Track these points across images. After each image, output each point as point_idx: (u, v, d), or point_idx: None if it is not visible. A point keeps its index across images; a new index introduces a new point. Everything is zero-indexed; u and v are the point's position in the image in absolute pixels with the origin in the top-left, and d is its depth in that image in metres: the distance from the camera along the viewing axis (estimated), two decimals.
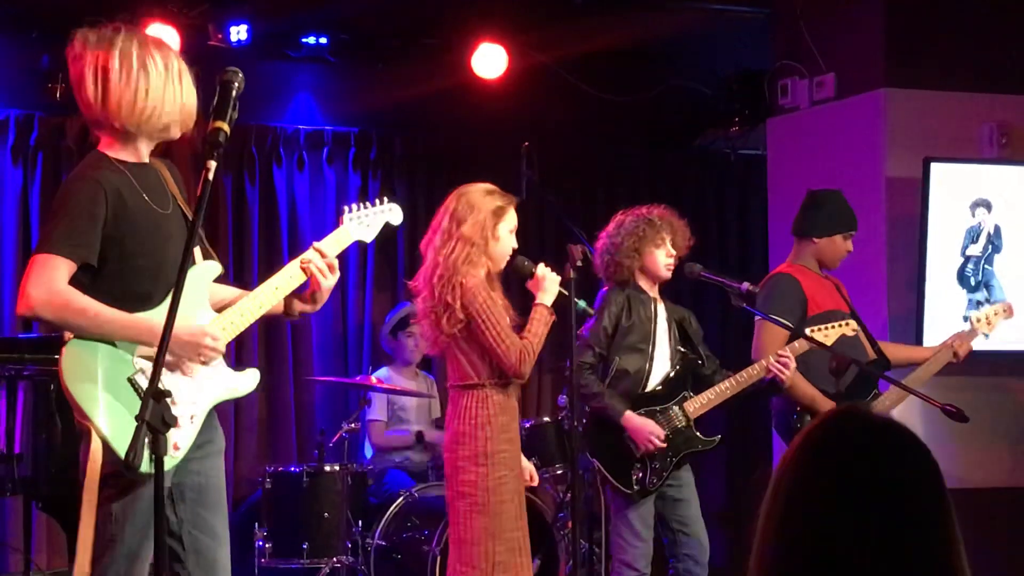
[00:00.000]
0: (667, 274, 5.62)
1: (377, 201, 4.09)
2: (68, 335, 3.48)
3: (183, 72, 3.55)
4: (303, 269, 3.70)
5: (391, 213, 4.12)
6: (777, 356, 5.44)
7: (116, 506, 3.42)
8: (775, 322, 5.61)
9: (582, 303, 4.98)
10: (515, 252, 4.85)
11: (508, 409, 4.77)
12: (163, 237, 3.50)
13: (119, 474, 3.33)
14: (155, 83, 3.47)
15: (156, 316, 3.40)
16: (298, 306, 3.78)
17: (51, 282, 3.35)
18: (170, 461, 3.38)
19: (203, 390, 3.54)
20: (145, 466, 2.95)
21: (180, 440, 3.45)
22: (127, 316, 3.41)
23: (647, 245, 5.55)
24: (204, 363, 3.52)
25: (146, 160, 3.59)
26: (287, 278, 3.70)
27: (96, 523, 3.45)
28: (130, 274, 3.48)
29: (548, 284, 4.84)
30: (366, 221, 4.00)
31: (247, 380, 3.69)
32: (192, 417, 3.51)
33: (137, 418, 2.82)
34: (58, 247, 3.39)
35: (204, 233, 3.66)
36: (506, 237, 4.79)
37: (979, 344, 6.09)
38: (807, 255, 5.89)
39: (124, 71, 3.45)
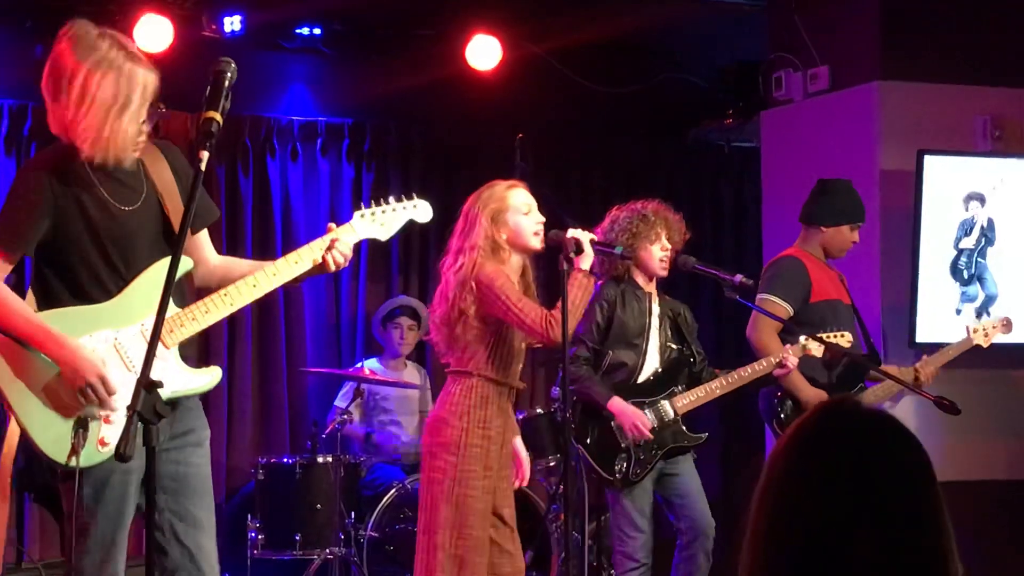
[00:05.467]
0: (662, 271, 5.62)
1: (403, 197, 3.97)
2: None
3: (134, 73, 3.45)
4: (331, 245, 3.64)
5: (416, 211, 3.97)
6: (783, 357, 5.44)
7: (87, 494, 3.42)
8: (767, 314, 5.62)
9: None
10: (546, 226, 4.75)
11: (491, 405, 4.70)
12: (119, 232, 3.49)
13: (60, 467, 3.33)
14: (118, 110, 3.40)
15: (59, 323, 3.41)
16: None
17: None
18: (97, 456, 3.38)
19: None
20: None
21: (110, 435, 3.37)
22: (33, 321, 3.40)
23: (641, 240, 5.55)
24: (82, 398, 3.39)
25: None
26: (297, 263, 3.64)
27: (66, 512, 3.46)
28: (82, 267, 3.49)
29: (582, 247, 4.69)
30: (380, 219, 3.87)
31: (204, 379, 3.62)
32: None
33: (129, 408, 2.82)
34: None
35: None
36: (522, 221, 4.73)
37: None
38: (814, 243, 5.90)
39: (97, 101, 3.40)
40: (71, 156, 3.49)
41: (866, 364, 5.68)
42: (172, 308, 3.52)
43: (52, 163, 3.50)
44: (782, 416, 5.70)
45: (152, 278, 3.50)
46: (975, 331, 5.99)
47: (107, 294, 3.48)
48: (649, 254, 5.57)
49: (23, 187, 3.50)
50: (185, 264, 3.57)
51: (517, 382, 4.84)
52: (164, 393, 3.42)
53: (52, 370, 3.40)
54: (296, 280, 3.71)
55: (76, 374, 3.37)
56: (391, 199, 3.95)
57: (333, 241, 3.67)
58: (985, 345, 6.03)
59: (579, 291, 4.66)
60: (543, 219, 4.77)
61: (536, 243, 4.76)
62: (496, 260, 4.68)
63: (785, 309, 5.68)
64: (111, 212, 3.49)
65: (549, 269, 5.49)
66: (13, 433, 3.44)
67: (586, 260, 4.69)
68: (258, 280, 3.61)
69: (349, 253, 3.71)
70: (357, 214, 3.85)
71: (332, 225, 3.77)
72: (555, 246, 4.76)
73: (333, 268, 3.68)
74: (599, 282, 5.62)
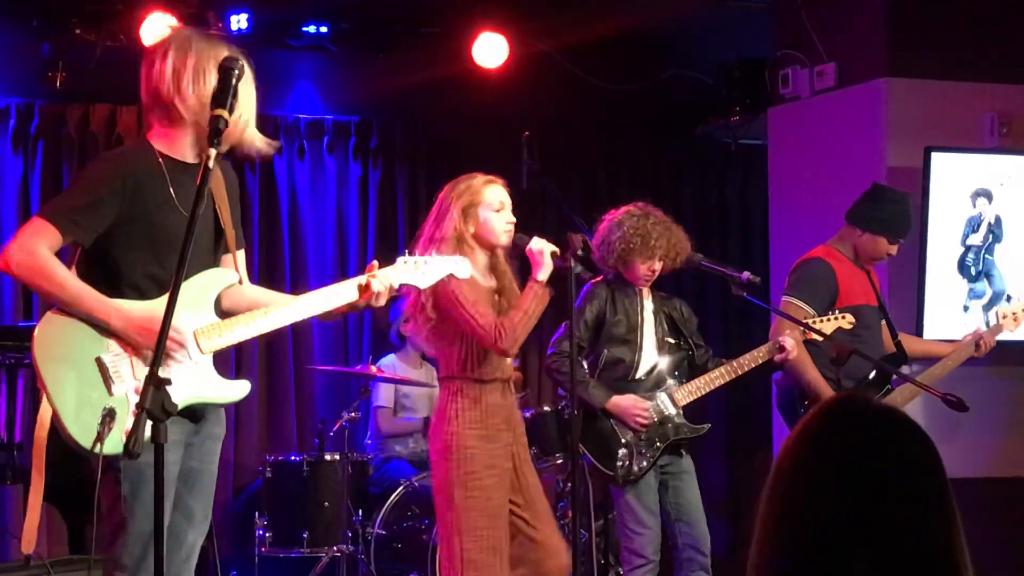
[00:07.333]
0: (645, 284, 5.63)
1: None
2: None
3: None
4: (368, 282, 3.72)
5: (458, 266, 4.17)
6: (781, 340, 5.43)
7: (125, 488, 3.43)
8: (779, 314, 5.60)
9: (579, 268, 4.86)
10: (516, 228, 4.75)
11: (483, 404, 4.69)
12: (176, 237, 3.48)
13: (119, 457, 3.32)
14: (246, 91, 3.46)
15: (128, 303, 3.44)
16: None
17: (34, 246, 3.43)
18: (121, 446, 3.35)
19: (176, 388, 3.32)
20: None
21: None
22: (93, 293, 3.43)
23: (635, 257, 5.52)
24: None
25: (189, 160, 3.58)
26: (335, 295, 3.73)
27: (106, 506, 3.46)
28: (132, 265, 3.50)
29: (542, 258, 4.69)
30: (422, 268, 3.98)
31: (233, 389, 3.66)
32: None
33: (138, 406, 2.82)
34: (55, 216, 3.47)
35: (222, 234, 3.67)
36: (491, 218, 4.72)
37: None
38: (848, 243, 5.84)
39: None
40: (149, 152, 3.53)
41: (875, 362, 5.64)
42: (212, 317, 3.59)
43: (130, 154, 3.55)
44: (801, 413, 5.66)
45: (197, 285, 3.55)
46: (1004, 316, 5.95)
47: (148, 295, 3.48)
48: (635, 270, 5.55)
49: (96, 172, 3.55)
50: (229, 277, 3.65)
51: (507, 373, 4.80)
52: (191, 398, 3.50)
53: (91, 355, 3.41)
54: (331, 315, 3.80)
55: (150, 331, 3.36)
56: (435, 253, 4.14)
57: (372, 278, 3.74)
58: (1014, 330, 5.98)
59: (529, 301, 4.68)
60: (514, 220, 4.77)
61: (504, 240, 4.75)
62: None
63: (808, 313, 5.62)
64: (175, 218, 3.50)
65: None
66: (46, 410, 3.45)
67: (544, 272, 4.69)
68: (297, 307, 3.72)
69: (387, 289, 3.77)
70: (400, 259, 3.94)
71: (375, 263, 3.83)
72: (517, 250, 4.79)
73: (373, 299, 3.73)
74: (594, 279, 5.62)
